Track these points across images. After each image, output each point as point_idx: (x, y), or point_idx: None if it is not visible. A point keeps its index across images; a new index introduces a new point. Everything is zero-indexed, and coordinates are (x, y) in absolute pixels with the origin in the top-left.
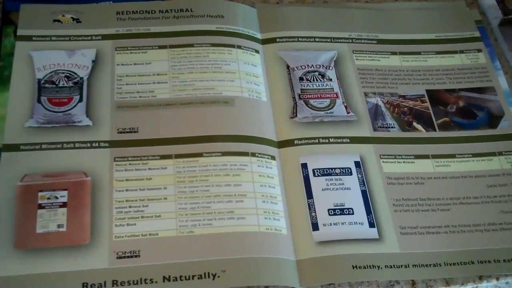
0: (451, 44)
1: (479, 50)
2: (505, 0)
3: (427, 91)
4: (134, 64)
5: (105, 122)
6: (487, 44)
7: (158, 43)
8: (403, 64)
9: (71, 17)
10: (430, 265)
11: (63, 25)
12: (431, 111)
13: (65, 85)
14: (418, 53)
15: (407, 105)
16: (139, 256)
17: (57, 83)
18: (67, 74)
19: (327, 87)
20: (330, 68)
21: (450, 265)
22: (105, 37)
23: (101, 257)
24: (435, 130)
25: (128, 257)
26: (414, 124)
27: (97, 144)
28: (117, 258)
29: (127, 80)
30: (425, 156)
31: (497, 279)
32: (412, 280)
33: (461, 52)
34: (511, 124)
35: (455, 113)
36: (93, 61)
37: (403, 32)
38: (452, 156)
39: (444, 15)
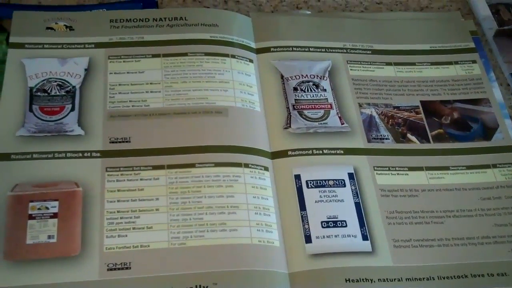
0: (446, 55)
1: (474, 61)
2: (500, 11)
3: (422, 102)
4: (127, 72)
5: (97, 132)
6: (482, 55)
7: (151, 52)
8: (397, 75)
9: (64, 25)
10: (423, 278)
11: (56, 32)
12: (425, 123)
13: (57, 93)
14: (413, 63)
15: (402, 116)
16: (130, 268)
17: (49, 91)
18: (59, 83)
19: (321, 97)
20: (325, 78)
21: (444, 278)
22: (98, 45)
23: (91, 269)
24: (429, 141)
25: (119, 269)
26: (409, 135)
27: (89, 154)
28: (107, 270)
29: (120, 89)
30: (419, 168)
31: None
32: None
33: (456, 63)
34: (505, 136)
35: (449, 124)
36: (85, 69)
37: (398, 42)
38: (446, 168)
39: (439, 25)
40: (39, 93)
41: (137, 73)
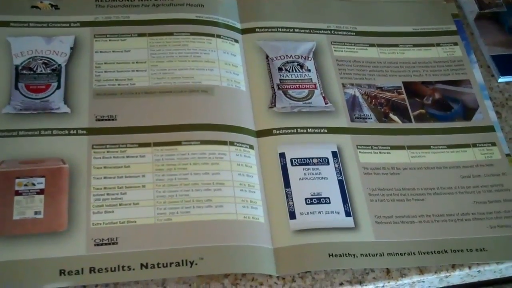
0: (428, 37)
1: (455, 44)
2: None
3: (404, 83)
4: (113, 51)
5: (83, 110)
6: (463, 37)
7: (137, 31)
8: (380, 56)
9: (50, 4)
10: (404, 253)
11: (41, 11)
12: (407, 103)
13: (43, 71)
14: (396, 45)
15: (384, 96)
16: (116, 243)
17: (35, 69)
18: (45, 61)
19: (306, 77)
20: (309, 58)
21: (424, 254)
22: (83, 24)
23: (78, 244)
24: (411, 121)
25: (105, 244)
26: (391, 115)
27: (75, 132)
28: (94, 245)
29: (106, 68)
30: (401, 147)
31: (469, 267)
32: (387, 268)
33: (438, 45)
34: (485, 117)
35: (431, 105)
36: (71, 48)
37: (381, 24)
38: (427, 147)
39: (421, 8)
40: (24, 71)
41: (123, 52)
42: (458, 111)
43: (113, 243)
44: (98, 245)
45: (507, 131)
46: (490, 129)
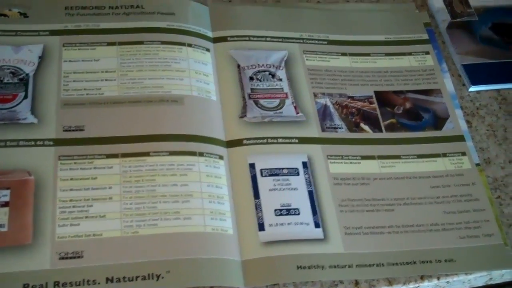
0: (400, 46)
1: (427, 53)
2: (453, 4)
3: (376, 92)
4: (82, 60)
5: (50, 120)
6: (435, 46)
7: (107, 40)
8: (352, 65)
9: (18, 12)
10: (373, 265)
11: (9, 19)
12: (378, 112)
13: (10, 81)
14: (368, 54)
15: (356, 106)
16: (82, 257)
17: (1, 79)
18: (13, 70)
19: (277, 87)
20: (281, 68)
21: (393, 265)
22: (53, 32)
23: (43, 258)
24: (381, 131)
25: (70, 258)
26: (362, 125)
27: (41, 143)
28: (59, 259)
29: (75, 77)
30: (371, 157)
31: (438, 278)
32: (356, 280)
33: (410, 54)
34: (455, 126)
35: (401, 114)
36: (39, 57)
37: (353, 33)
38: (398, 157)
39: (394, 17)
40: None
41: (92, 61)
42: (428, 121)
43: (78, 257)
44: (63, 258)
45: (477, 140)
46: (460, 138)
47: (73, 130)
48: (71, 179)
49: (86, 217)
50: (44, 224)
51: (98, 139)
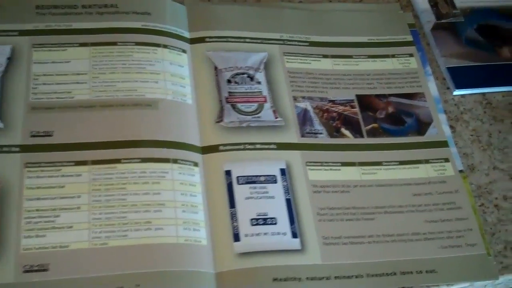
0: (384, 48)
1: (411, 55)
2: (438, 4)
3: (357, 96)
4: (53, 62)
5: (17, 125)
6: (419, 48)
7: (79, 41)
8: (334, 68)
9: None
10: (352, 276)
11: None
12: (360, 117)
13: None
14: (350, 56)
15: (336, 110)
16: (48, 269)
17: None
18: None
19: (256, 90)
20: (260, 70)
21: (373, 276)
22: (22, 33)
23: (6, 271)
24: (363, 136)
25: (36, 270)
26: (342, 130)
27: (7, 149)
28: (24, 272)
29: (44, 80)
30: (352, 164)
31: None
32: None
33: (393, 56)
34: (439, 131)
35: (384, 119)
36: (8, 58)
37: (335, 34)
38: (379, 163)
39: (377, 17)
40: None
41: (63, 62)
42: (411, 126)
43: (44, 270)
44: (27, 271)
45: (461, 145)
46: (444, 144)
47: (41, 136)
48: (38, 187)
49: (53, 227)
50: (8, 235)
51: (67, 145)
